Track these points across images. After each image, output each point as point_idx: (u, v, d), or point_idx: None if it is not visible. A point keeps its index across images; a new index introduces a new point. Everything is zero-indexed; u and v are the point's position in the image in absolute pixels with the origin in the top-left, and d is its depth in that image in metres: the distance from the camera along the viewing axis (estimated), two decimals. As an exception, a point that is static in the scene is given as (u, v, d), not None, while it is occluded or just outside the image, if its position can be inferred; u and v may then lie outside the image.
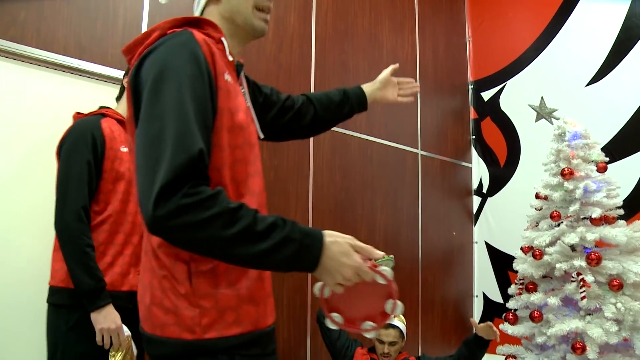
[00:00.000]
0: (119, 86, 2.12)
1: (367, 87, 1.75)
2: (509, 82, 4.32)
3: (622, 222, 2.82)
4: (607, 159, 2.96)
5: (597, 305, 2.61)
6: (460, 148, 4.39)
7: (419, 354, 3.53)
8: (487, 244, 4.28)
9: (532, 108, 4.08)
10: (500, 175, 4.25)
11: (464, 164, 4.40)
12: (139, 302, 1.17)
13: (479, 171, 4.44)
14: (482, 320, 4.11)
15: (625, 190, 3.32)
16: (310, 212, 2.90)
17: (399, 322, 2.67)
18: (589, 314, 2.66)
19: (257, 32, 1.27)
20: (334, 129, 2.94)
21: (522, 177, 4.08)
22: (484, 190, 4.37)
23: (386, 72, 1.78)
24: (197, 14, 1.26)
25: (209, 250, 0.98)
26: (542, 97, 4.02)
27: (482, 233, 4.34)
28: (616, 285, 2.58)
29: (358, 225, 3.18)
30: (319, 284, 1.14)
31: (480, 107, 4.53)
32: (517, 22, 4.26)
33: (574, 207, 2.80)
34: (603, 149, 3.10)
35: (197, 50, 1.06)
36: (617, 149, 3.55)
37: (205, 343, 1.05)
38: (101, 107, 2.01)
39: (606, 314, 2.55)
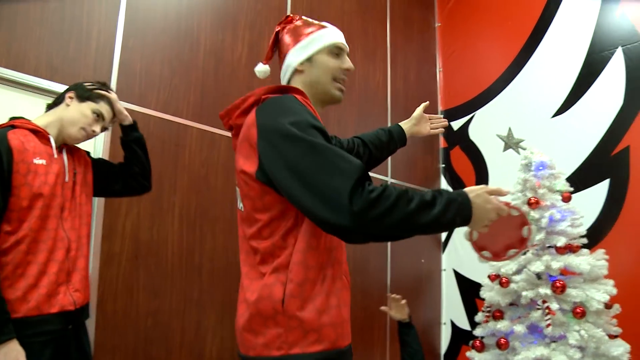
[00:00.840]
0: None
1: (404, 124, 2.03)
2: (477, 112, 4.37)
3: (585, 250, 2.86)
4: (572, 189, 3.01)
5: (562, 333, 2.64)
6: (430, 176, 4.37)
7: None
8: (455, 272, 4.28)
9: (500, 138, 4.14)
10: (469, 204, 4.28)
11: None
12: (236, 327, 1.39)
13: None
14: (450, 349, 4.12)
15: (588, 220, 3.42)
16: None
17: None
18: (554, 341, 2.69)
19: (335, 99, 1.56)
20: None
21: (490, 206, 4.11)
22: None
23: (419, 110, 2.08)
24: (284, 82, 1.53)
25: (403, 225, 1.16)
26: (509, 128, 4.09)
27: (451, 260, 4.33)
28: (579, 312, 2.61)
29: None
30: (466, 231, 1.43)
31: (450, 136, 4.54)
32: (487, 54, 4.34)
33: (540, 236, 2.85)
34: (568, 179, 3.20)
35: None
36: (581, 179, 3.61)
37: (291, 358, 1.23)
38: (12, 118, 1.83)
39: (570, 341, 2.59)
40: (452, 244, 4.39)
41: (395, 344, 3.66)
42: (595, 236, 3.37)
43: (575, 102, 3.77)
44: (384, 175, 3.78)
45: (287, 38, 1.57)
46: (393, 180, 3.85)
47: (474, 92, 4.39)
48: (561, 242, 2.81)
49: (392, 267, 3.73)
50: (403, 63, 4.20)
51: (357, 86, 3.62)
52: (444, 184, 4.50)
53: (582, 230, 2.92)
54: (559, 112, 3.85)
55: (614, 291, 2.70)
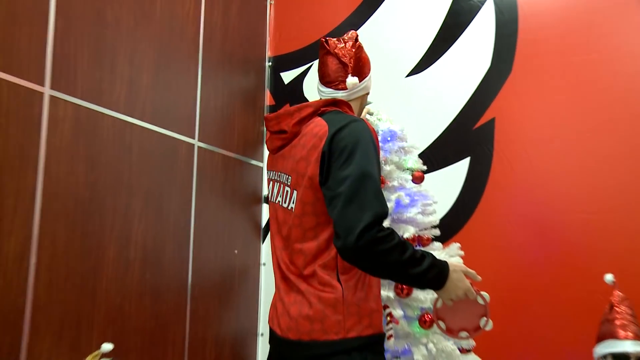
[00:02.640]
0: None
1: None
2: (315, 62, 4.32)
3: (438, 244, 3.04)
4: (425, 168, 3.15)
5: (407, 347, 2.72)
6: (251, 142, 4.39)
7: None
8: None
9: (341, 97, 4.20)
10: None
11: (254, 162, 4.38)
12: (279, 315, 2.00)
13: None
14: (265, 366, 4.11)
15: (443, 206, 3.60)
16: (38, 216, 2.60)
17: None
18: (397, 357, 2.75)
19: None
20: (79, 101, 2.76)
21: (327, 181, 4.12)
22: None
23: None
24: (344, 94, 2.19)
25: (391, 267, 1.76)
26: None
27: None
28: (427, 321, 2.72)
29: (106, 236, 2.90)
30: (434, 297, 2.07)
31: (279, 92, 4.54)
32: (333, -12, 4.38)
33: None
34: (421, 155, 3.37)
35: (374, 142, 1.92)
36: (436, 155, 3.76)
37: (348, 341, 1.84)
38: None
39: (416, 357, 2.67)
40: None
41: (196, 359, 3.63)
42: (450, 227, 3.59)
43: (435, 60, 3.88)
44: (189, 137, 3.62)
45: (367, 58, 2.30)
46: (201, 144, 3.74)
47: (313, 37, 4.35)
48: (409, 232, 2.90)
49: (194, 259, 3.63)
50: (223, -11, 4.17)
51: (159, 13, 3.39)
52: (267, 154, 4.16)
53: (435, 219, 3.05)
54: (416, 70, 3.94)
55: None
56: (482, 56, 3.73)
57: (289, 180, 1.99)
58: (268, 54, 4.61)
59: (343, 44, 2.22)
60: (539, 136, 3.54)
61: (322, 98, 2.21)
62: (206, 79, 3.90)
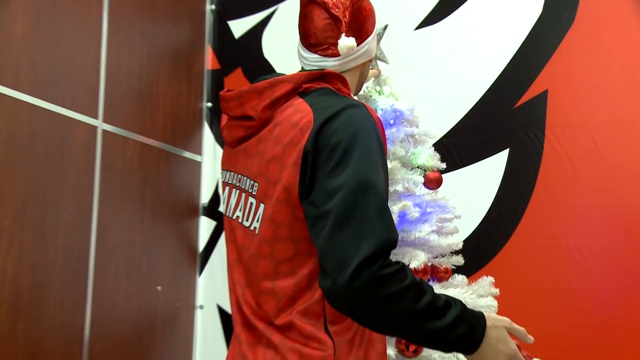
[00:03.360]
0: None
1: None
2: (281, 5, 4.26)
3: (460, 278, 2.95)
4: (443, 165, 2.98)
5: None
6: (184, 124, 4.32)
7: None
8: (220, 310, 4.28)
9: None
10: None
11: (189, 155, 4.29)
12: None
13: (215, 169, 4.33)
14: None
15: (469, 222, 3.47)
16: None
17: None
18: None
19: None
20: None
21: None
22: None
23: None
24: (338, 63, 2.05)
25: (397, 322, 1.63)
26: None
27: (214, 289, 4.30)
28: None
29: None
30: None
31: (227, 50, 4.49)
32: None
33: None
34: (438, 147, 3.15)
35: (380, 135, 1.82)
36: (461, 146, 3.65)
37: None
38: None
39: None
40: (219, 255, 4.31)
41: None
42: (479, 252, 3.46)
43: (457, 4, 3.76)
44: (89, 117, 3.50)
45: (371, 9, 2.10)
46: (107, 127, 3.61)
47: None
48: (418, 260, 2.76)
49: (96, 299, 3.52)
50: None
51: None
52: (210, 141, 4.44)
53: (457, 240, 2.94)
54: (430, 20, 3.82)
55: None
56: None
57: (255, 189, 1.86)
58: (210, -5, 4.58)
59: None
60: (612, 118, 3.40)
61: (305, 68, 2.06)
62: (114, 30, 3.79)
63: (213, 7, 4.47)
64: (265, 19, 4.32)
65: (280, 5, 4.27)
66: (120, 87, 3.77)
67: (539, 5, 3.58)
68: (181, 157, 4.21)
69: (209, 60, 4.50)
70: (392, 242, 1.61)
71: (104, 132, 3.61)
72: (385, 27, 2.88)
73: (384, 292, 1.54)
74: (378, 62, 2.99)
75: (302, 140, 1.72)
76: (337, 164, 1.65)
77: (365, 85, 2.85)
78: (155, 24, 4.06)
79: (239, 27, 4.40)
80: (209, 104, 4.48)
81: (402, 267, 1.58)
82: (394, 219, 2.60)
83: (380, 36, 2.72)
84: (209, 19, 4.47)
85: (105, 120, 3.63)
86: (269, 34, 4.31)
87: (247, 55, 4.37)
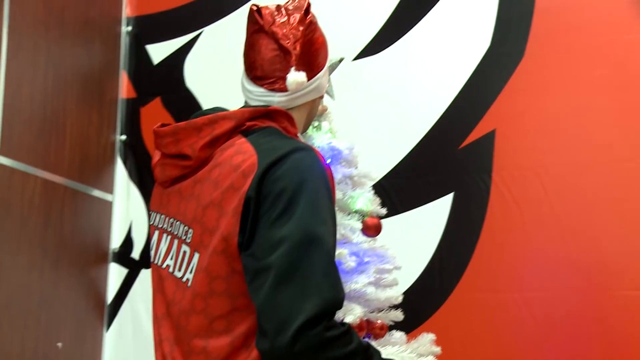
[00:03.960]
0: None
1: None
2: (206, 29, 4.11)
3: (399, 334, 2.80)
4: (383, 211, 2.86)
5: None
6: (93, 159, 4.14)
7: None
8: None
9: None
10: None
11: (98, 193, 4.12)
12: None
13: (128, 210, 4.22)
14: None
15: (410, 273, 3.38)
16: None
17: None
18: None
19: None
20: None
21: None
22: (137, 254, 4.16)
23: None
24: (286, 99, 1.99)
25: None
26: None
27: (124, 347, 4.11)
28: None
29: None
30: None
31: (144, 77, 4.32)
32: None
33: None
34: (377, 190, 2.97)
35: (329, 184, 1.77)
36: (402, 190, 3.59)
37: None
38: None
39: None
40: (130, 309, 4.08)
41: None
42: (420, 306, 3.37)
43: (400, 35, 3.68)
44: None
45: (324, 41, 2.07)
46: (4, 160, 3.52)
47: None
48: (353, 315, 2.61)
49: None
50: None
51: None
52: (123, 178, 4.23)
53: (396, 293, 2.81)
54: (370, 50, 3.75)
55: None
56: (476, 31, 3.58)
57: (189, 236, 1.79)
58: (126, 12, 4.36)
59: (285, 17, 1.95)
60: (564, 161, 3.36)
61: (249, 102, 2.00)
62: (15, 50, 3.67)
63: (129, 28, 4.31)
64: (188, 44, 4.19)
65: (206, 29, 4.15)
66: (21, 116, 3.63)
67: (487, 39, 3.53)
68: (89, 196, 4.05)
69: (124, 88, 4.32)
70: (338, 301, 1.57)
71: (1, 166, 3.47)
72: (341, 60, 2.76)
73: (327, 356, 1.54)
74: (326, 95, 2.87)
75: (244, 185, 1.66)
76: (281, 213, 1.61)
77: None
78: (63, 45, 3.91)
79: (159, 52, 4.25)
80: (123, 137, 4.29)
81: (348, 330, 1.58)
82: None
83: (333, 69, 2.65)
84: (124, 42, 4.30)
85: (2, 153, 3.49)
86: (192, 61, 4.18)
87: (167, 83, 4.23)
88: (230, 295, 1.69)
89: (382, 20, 3.76)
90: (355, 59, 3.75)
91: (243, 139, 1.78)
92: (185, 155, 1.81)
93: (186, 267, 1.77)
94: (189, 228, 1.78)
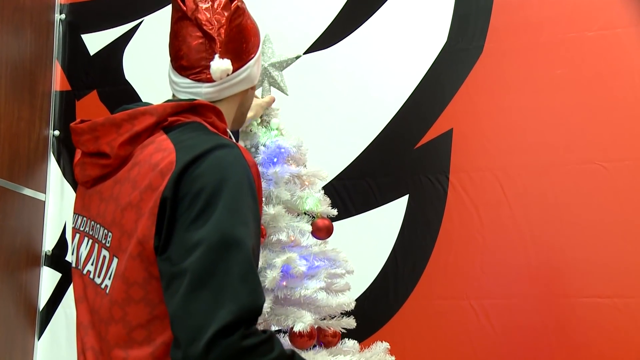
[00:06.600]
0: None
1: None
2: (147, 18, 4.09)
3: (351, 343, 2.79)
4: (335, 212, 2.81)
5: None
6: (23, 157, 4.08)
7: None
8: None
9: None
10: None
11: (29, 192, 4.04)
12: None
13: (62, 211, 4.17)
14: None
15: (363, 278, 3.40)
16: None
17: None
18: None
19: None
20: None
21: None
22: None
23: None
24: (213, 91, 1.99)
25: None
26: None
27: (57, 356, 4.05)
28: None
29: None
30: None
31: (79, 68, 4.26)
32: None
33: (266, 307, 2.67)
34: (328, 190, 2.99)
35: (253, 182, 1.74)
36: (354, 191, 3.60)
37: None
38: None
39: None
40: (61, 318, 4.03)
41: None
42: (374, 312, 3.40)
43: (352, 29, 3.70)
44: None
45: (254, 29, 2.07)
46: None
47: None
48: (304, 322, 2.59)
49: None
50: None
51: None
52: (57, 176, 4.17)
53: (348, 300, 2.75)
54: (319, 44, 3.76)
55: None
56: (432, 25, 3.59)
57: (108, 239, 1.75)
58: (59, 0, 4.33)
59: (209, 3, 1.96)
60: (524, 162, 3.36)
61: (176, 95, 2.00)
62: None
63: (63, 16, 4.26)
64: (127, 34, 4.15)
65: (146, 18, 4.12)
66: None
67: (444, 34, 3.53)
68: (20, 195, 3.96)
69: (58, 80, 4.26)
70: (256, 308, 1.56)
71: None
72: (297, 57, 2.82)
73: None
74: (277, 90, 2.86)
75: (161, 184, 1.62)
76: (198, 214, 1.58)
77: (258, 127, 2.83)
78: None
79: (95, 42, 4.20)
80: (56, 132, 4.22)
81: (269, 338, 1.54)
82: (275, 274, 2.59)
83: (287, 65, 2.73)
84: (58, 30, 4.24)
85: None
86: (131, 52, 4.14)
87: (104, 75, 4.17)
88: (148, 303, 1.66)
89: (334, 12, 3.76)
90: (305, 52, 3.70)
91: (164, 136, 1.74)
92: (104, 154, 1.76)
93: (105, 273, 1.74)
94: (108, 231, 1.74)
